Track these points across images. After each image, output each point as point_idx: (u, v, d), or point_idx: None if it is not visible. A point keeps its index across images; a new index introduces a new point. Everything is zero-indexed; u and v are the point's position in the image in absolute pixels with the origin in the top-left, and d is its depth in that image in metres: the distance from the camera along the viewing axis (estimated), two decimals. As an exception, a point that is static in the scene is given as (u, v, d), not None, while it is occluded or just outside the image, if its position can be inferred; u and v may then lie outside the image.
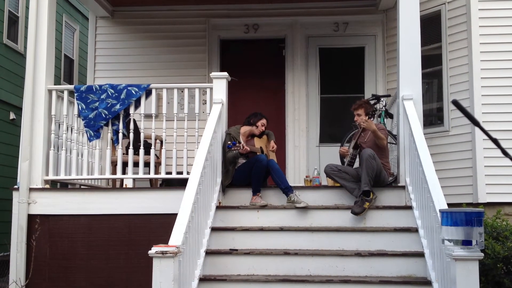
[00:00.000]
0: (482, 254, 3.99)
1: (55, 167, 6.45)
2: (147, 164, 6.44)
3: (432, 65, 7.74)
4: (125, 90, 6.42)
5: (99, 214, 6.15)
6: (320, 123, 8.74)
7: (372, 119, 6.16)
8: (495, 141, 2.36)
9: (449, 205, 4.49)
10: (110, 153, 6.47)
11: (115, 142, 6.46)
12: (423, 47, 6.38)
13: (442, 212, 4.03)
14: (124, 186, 7.32)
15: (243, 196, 6.04)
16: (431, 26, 7.77)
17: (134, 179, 7.03)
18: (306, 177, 7.05)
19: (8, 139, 10.15)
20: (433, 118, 7.94)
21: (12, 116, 10.33)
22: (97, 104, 6.43)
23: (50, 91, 6.49)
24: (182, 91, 6.83)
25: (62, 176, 6.46)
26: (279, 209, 5.79)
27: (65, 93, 6.57)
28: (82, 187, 7.37)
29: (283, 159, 8.42)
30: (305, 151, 8.63)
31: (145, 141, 6.48)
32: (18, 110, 9.31)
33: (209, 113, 6.06)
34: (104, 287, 6.02)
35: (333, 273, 5.05)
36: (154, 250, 4.06)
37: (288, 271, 5.11)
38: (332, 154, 7.75)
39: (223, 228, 5.57)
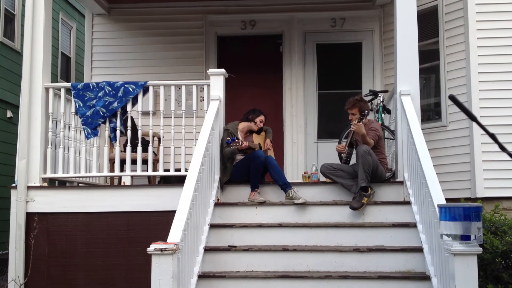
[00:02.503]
0: (481, 249, 4.00)
1: (53, 165, 6.44)
2: (145, 162, 6.44)
3: (429, 60, 7.74)
4: (123, 87, 6.41)
5: (98, 211, 6.14)
6: (318, 119, 8.74)
7: (365, 118, 6.07)
8: (492, 136, 2.36)
9: (447, 200, 4.49)
10: (108, 150, 6.46)
11: (112, 139, 6.45)
12: (420, 42, 6.37)
13: (440, 207, 4.03)
14: (122, 183, 7.31)
15: (242, 192, 6.04)
16: (428, 21, 7.76)
17: (132, 177, 7.02)
18: (304, 173, 7.05)
19: (5, 137, 10.13)
20: (430, 113, 7.94)
21: (9, 114, 10.31)
22: (94, 101, 6.42)
23: (47, 89, 6.47)
24: (179, 88, 6.82)
25: (60, 174, 6.45)
26: (277, 205, 5.79)
27: (62, 90, 6.55)
28: (80, 185, 7.36)
29: (281, 155, 8.42)
30: (303, 147, 8.63)
31: (142, 139, 6.47)
32: (15, 108, 9.30)
33: (207, 110, 6.06)
34: (103, 284, 6.02)
35: (332, 269, 5.06)
36: (152, 247, 4.06)
37: (287, 267, 5.11)
38: (330, 150, 7.74)
39: (221, 225, 5.57)
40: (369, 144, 5.84)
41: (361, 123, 5.85)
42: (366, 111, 6.07)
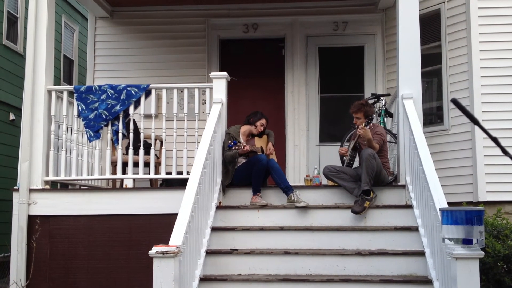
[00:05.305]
0: (483, 253, 4.00)
1: (55, 167, 6.45)
2: (147, 164, 6.44)
3: (431, 64, 7.74)
4: (125, 90, 6.42)
5: (100, 214, 6.14)
6: (320, 123, 8.74)
7: (371, 123, 6.10)
8: (494, 140, 2.36)
9: (449, 204, 4.49)
10: (110, 153, 6.47)
11: (115, 142, 6.46)
12: (422, 46, 6.38)
13: (442, 211, 4.03)
14: (124, 186, 7.32)
15: (243, 195, 6.04)
16: (430, 25, 7.76)
17: (134, 179, 7.03)
18: (306, 176, 7.04)
19: (8, 140, 10.15)
20: (433, 117, 7.94)
21: (11, 117, 10.32)
22: (97, 104, 6.43)
23: (49, 92, 6.49)
24: (181, 91, 6.83)
25: (62, 177, 6.46)
26: (279, 208, 5.79)
27: (65, 93, 6.57)
28: (82, 187, 7.36)
29: (283, 158, 8.42)
30: (305, 150, 8.63)
31: (145, 141, 6.48)
32: (18, 111, 9.29)
33: (209, 113, 6.06)
34: (105, 287, 6.01)
35: (333, 272, 5.05)
36: (154, 250, 4.06)
37: (289, 270, 5.11)
38: (332, 153, 7.75)
39: (223, 228, 5.57)
40: (374, 149, 5.84)
41: (367, 127, 5.86)
42: (372, 116, 6.07)
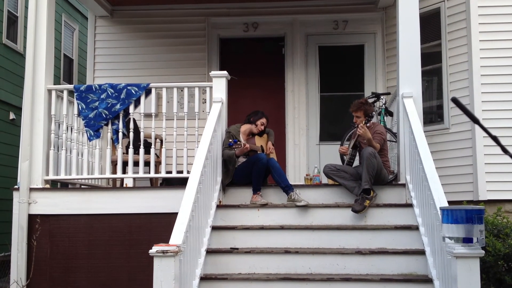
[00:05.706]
0: (483, 252, 3.99)
1: (55, 167, 6.45)
2: (147, 164, 6.45)
3: (431, 62, 7.73)
4: (125, 89, 6.42)
5: (100, 213, 6.14)
6: (320, 122, 8.74)
7: (370, 121, 6.11)
8: (494, 139, 2.36)
9: (449, 202, 4.49)
10: (110, 152, 6.47)
11: (115, 141, 6.46)
12: (422, 45, 6.37)
13: (442, 209, 4.03)
14: (124, 185, 7.32)
15: (244, 195, 6.04)
16: (430, 24, 7.76)
17: (134, 179, 7.02)
18: (306, 175, 7.04)
19: (8, 139, 10.15)
20: (433, 115, 7.94)
21: (12, 116, 10.33)
22: (97, 103, 6.43)
23: (49, 91, 6.48)
24: (181, 90, 6.82)
25: (62, 176, 6.46)
26: (279, 207, 5.79)
27: (65, 92, 6.56)
28: (82, 186, 7.37)
29: (283, 157, 8.42)
30: (305, 149, 8.63)
31: (145, 141, 6.48)
32: (18, 110, 9.30)
33: (209, 112, 6.06)
34: (105, 286, 6.02)
35: (334, 271, 5.06)
36: (155, 249, 4.06)
37: (289, 269, 5.11)
38: (332, 152, 7.75)
39: (223, 227, 5.57)
40: (375, 148, 5.84)
41: (367, 125, 5.86)
42: (372, 114, 6.07)
